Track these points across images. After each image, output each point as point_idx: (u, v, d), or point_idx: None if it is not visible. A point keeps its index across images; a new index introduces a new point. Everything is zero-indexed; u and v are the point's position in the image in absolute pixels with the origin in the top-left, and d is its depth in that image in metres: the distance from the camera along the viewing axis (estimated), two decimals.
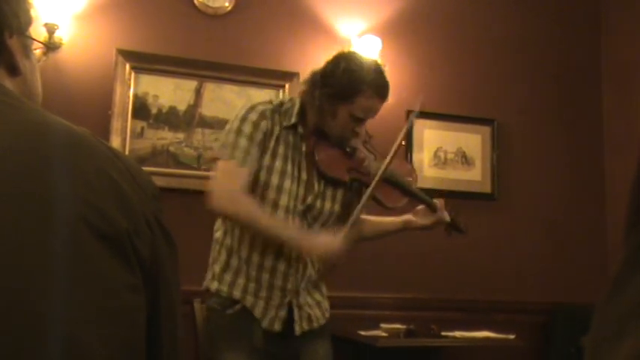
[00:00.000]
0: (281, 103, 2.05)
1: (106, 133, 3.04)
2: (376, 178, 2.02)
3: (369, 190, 2.02)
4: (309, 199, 2.02)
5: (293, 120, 2.00)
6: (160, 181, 2.90)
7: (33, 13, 0.91)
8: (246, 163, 1.91)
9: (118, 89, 3.13)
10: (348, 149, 2.08)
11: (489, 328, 3.12)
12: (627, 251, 0.52)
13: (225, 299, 1.99)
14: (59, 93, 3.00)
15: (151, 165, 3.11)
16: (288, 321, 2.01)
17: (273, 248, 1.97)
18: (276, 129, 1.99)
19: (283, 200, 1.98)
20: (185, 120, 3.22)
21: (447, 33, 3.73)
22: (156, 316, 0.80)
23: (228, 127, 1.99)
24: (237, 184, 1.90)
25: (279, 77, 3.34)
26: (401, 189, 2.19)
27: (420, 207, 2.23)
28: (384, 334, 2.98)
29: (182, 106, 3.23)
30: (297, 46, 3.41)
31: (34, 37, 0.92)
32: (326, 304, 2.16)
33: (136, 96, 3.16)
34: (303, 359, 2.04)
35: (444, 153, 3.60)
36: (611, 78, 3.91)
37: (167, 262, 0.82)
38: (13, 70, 0.86)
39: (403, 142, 2.13)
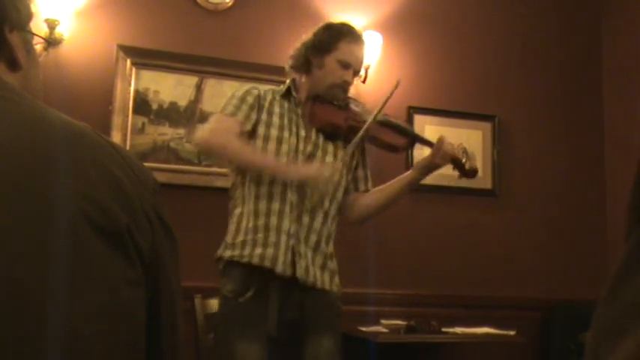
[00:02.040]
0: (274, 88, 2.23)
1: (106, 128, 3.04)
2: (372, 115, 2.16)
3: (366, 125, 2.14)
4: (309, 148, 2.12)
5: (285, 86, 2.19)
6: (160, 177, 2.90)
7: (33, 7, 0.91)
8: (235, 115, 2.07)
9: (119, 85, 3.13)
10: (341, 104, 2.21)
11: (490, 324, 3.12)
12: (628, 249, 0.52)
13: (238, 286, 2.00)
14: (60, 88, 2.99)
15: (152, 160, 3.11)
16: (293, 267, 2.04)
17: (278, 192, 2.04)
18: (269, 96, 2.15)
19: (284, 149, 2.09)
20: (186, 116, 3.21)
21: (448, 29, 3.72)
22: (156, 311, 0.80)
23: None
24: (223, 126, 2.05)
25: (279, 73, 3.31)
26: (397, 130, 2.29)
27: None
28: (384, 330, 2.98)
29: (183, 102, 3.23)
30: (297, 41, 3.40)
31: (34, 32, 0.92)
32: (333, 273, 2.15)
33: (136, 91, 3.16)
34: (307, 349, 2.05)
35: None
36: (612, 75, 3.91)
37: (167, 257, 0.82)
38: (14, 65, 0.86)
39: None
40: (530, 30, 3.86)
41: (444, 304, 3.42)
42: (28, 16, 0.90)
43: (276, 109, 2.14)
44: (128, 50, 3.16)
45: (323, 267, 2.10)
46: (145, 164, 0.87)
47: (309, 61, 2.18)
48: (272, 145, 2.09)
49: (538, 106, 3.82)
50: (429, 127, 3.57)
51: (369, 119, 2.16)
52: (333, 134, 2.17)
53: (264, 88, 2.20)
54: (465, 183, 3.60)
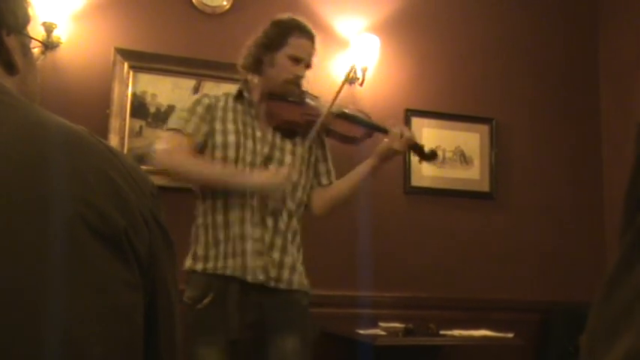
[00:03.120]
0: (227, 93, 2.25)
1: (104, 132, 3.04)
2: (328, 107, 2.18)
3: (321, 118, 2.16)
4: (266, 150, 2.13)
5: (237, 88, 2.20)
6: (158, 180, 2.88)
7: (31, 11, 0.91)
8: (184, 128, 2.09)
9: (117, 88, 3.13)
10: (296, 99, 2.22)
11: (488, 327, 3.12)
12: (621, 251, 0.52)
13: (197, 293, 2.01)
14: (57, 92, 2.99)
15: (150, 164, 3.10)
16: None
17: (236, 201, 2.05)
18: (221, 102, 2.16)
19: (241, 154, 2.09)
20: None
21: (446, 32, 3.73)
22: (153, 314, 0.80)
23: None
24: (174, 145, 2.07)
25: None
26: (354, 120, 2.30)
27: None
28: (382, 333, 2.98)
29: (180, 105, 3.21)
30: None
31: (32, 35, 0.92)
32: (301, 272, 2.14)
33: (134, 95, 3.16)
34: (271, 350, 2.04)
35: (443, 152, 3.60)
36: (610, 77, 3.91)
37: (165, 261, 0.82)
38: (11, 69, 0.86)
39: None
40: (527, 33, 3.87)
41: (442, 307, 3.42)
42: (26, 19, 0.89)
43: (230, 115, 2.14)
44: (126, 53, 3.16)
45: (292, 268, 2.10)
46: (143, 168, 0.87)
47: (261, 60, 2.19)
48: (231, 152, 2.09)
49: (536, 109, 3.82)
50: (426, 130, 3.58)
51: (325, 112, 2.17)
52: (291, 131, 2.18)
53: (216, 94, 2.22)
54: (463, 185, 3.62)
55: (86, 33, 3.16)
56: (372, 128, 2.32)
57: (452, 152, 3.62)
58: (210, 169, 2.09)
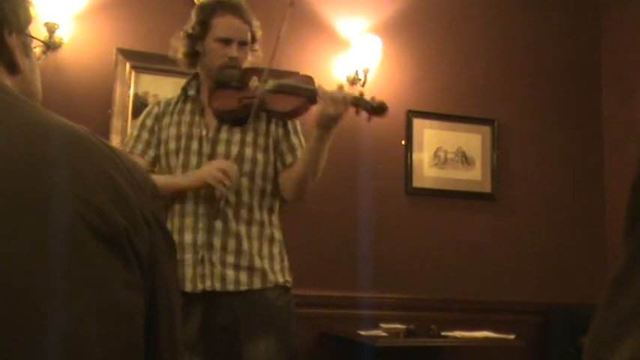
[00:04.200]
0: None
1: (106, 132, 3.04)
2: (261, 87, 2.02)
3: (256, 100, 2.00)
4: (207, 148, 2.02)
5: (181, 88, 2.12)
6: None
7: (33, 11, 0.91)
8: (135, 148, 2.05)
9: (118, 88, 3.13)
10: (237, 84, 2.08)
11: (489, 328, 3.12)
12: (626, 254, 0.51)
13: None
14: (59, 92, 2.99)
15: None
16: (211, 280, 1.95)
17: (179, 207, 1.98)
18: (170, 108, 2.09)
19: (185, 160, 2.02)
20: None
21: (447, 33, 3.72)
22: (154, 314, 0.80)
23: None
24: None
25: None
26: (290, 91, 2.06)
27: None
28: (383, 334, 2.98)
29: None
30: (298, 45, 3.40)
31: (34, 35, 0.92)
32: (264, 270, 2.00)
33: (136, 95, 3.16)
34: (244, 354, 1.94)
35: (444, 153, 3.60)
36: (611, 78, 3.91)
37: (165, 261, 0.82)
38: (13, 68, 0.86)
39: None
40: (529, 34, 3.86)
41: (443, 308, 3.42)
42: (28, 19, 0.90)
43: (175, 119, 2.06)
44: (127, 54, 3.16)
45: (250, 268, 1.97)
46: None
47: (196, 52, 2.09)
48: (173, 160, 2.03)
49: (537, 110, 3.82)
50: (428, 131, 3.58)
51: (260, 92, 2.01)
52: (236, 120, 2.04)
53: (166, 98, 2.15)
54: (464, 186, 3.61)
55: (88, 33, 3.16)
56: (305, 95, 2.04)
57: (453, 153, 3.62)
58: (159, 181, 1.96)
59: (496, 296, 3.55)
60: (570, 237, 3.75)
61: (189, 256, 1.95)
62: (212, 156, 2.01)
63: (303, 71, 3.12)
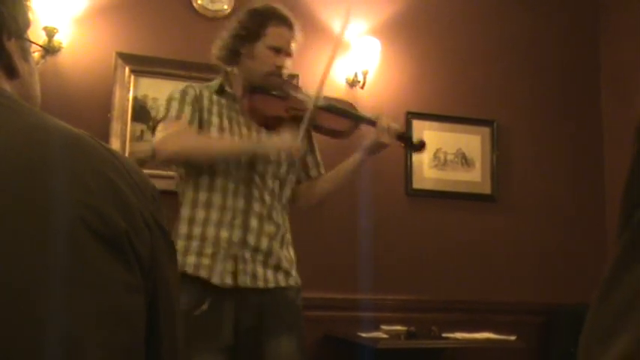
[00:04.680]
0: (207, 84, 2.17)
1: (105, 135, 3.04)
2: (313, 101, 2.10)
3: (309, 113, 2.08)
4: None
5: (218, 82, 2.13)
6: (159, 184, 2.88)
7: (32, 15, 0.91)
8: (179, 117, 2.01)
9: (118, 92, 3.13)
10: (280, 93, 2.15)
11: (490, 330, 3.12)
12: (618, 251, 0.52)
13: (193, 297, 1.96)
14: (59, 96, 3.00)
15: (151, 167, 3.10)
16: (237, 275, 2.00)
17: (218, 201, 2.00)
18: (206, 94, 2.09)
19: None
20: None
21: (446, 34, 3.73)
22: (155, 318, 0.80)
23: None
24: (173, 130, 1.99)
25: None
26: (340, 113, 2.22)
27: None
28: (384, 336, 2.97)
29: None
30: (297, 47, 3.40)
31: (33, 40, 0.93)
32: (288, 271, 2.08)
33: (135, 99, 3.17)
34: (266, 352, 2.00)
35: (444, 154, 3.60)
36: (611, 79, 3.91)
37: (166, 264, 0.82)
38: (12, 73, 0.86)
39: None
40: (528, 35, 3.87)
41: (444, 310, 3.42)
42: (27, 24, 0.90)
43: (215, 109, 2.08)
44: (127, 57, 3.17)
45: (276, 267, 2.05)
46: (144, 171, 0.87)
47: (238, 52, 2.11)
48: None
49: (537, 111, 3.82)
50: (427, 132, 3.58)
51: (311, 106, 2.10)
52: (276, 127, 2.10)
53: (197, 85, 2.14)
54: (464, 188, 3.61)
55: (87, 37, 3.17)
56: (359, 120, 2.24)
57: (453, 154, 3.62)
58: (223, 141, 2.03)
59: (497, 297, 3.55)
60: (571, 237, 3.75)
61: (223, 252, 1.99)
62: (254, 157, 2.06)
63: (303, 73, 3.13)
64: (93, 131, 0.83)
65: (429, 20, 3.70)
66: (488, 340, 3.07)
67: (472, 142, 3.66)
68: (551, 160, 3.81)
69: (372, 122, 2.18)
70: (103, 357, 0.71)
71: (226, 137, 2.05)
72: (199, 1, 3.34)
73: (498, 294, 3.56)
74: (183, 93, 2.06)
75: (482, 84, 3.74)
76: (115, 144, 3.06)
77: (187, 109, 2.02)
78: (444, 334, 3.03)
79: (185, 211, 2.03)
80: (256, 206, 2.03)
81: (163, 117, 2.02)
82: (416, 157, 3.55)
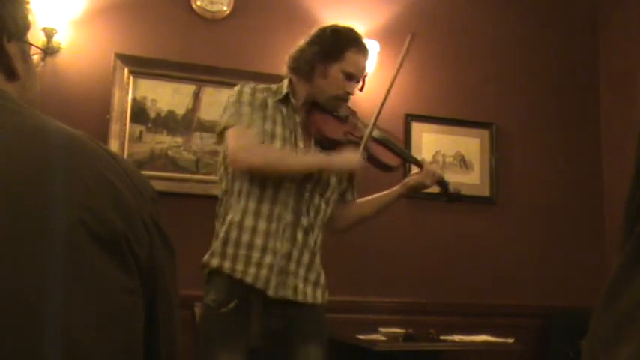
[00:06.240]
0: (269, 87, 2.15)
1: (104, 137, 3.04)
2: (369, 130, 2.14)
3: (365, 140, 2.12)
4: None
5: (284, 91, 2.10)
6: (158, 186, 2.88)
7: (31, 17, 0.91)
8: (252, 126, 2.01)
9: (117, 93, 3.13)
10: (341, 115, 2.16)
11: (488, 332, 3.12)
12: (622, 259, 0.52)
13: (221, 296, 1.97)
14: (58, 97, 3.00)
15: (150, 169, 3.10)
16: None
17: (266, 212, 2.00)
18: (270, 100, 2.08)
19: None
20: (183, 124, 3.22)
21: (445, 37, 3.73)
22: (154, 320, 0.80)
23: (227, 101, 2.08)
24: (249, 141, 2.00)
25: (277, 81, 3.33)
26: (391, 148, 2.28)
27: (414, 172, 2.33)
28: (382, 338, 2.97)
29: (180, 111, 3.23)
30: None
31: (32, 42, 0.93)
32: (324, 287, 2.12)
33: (134, 100, 3.16)
34: (294, 359, 2.01)
35: (443, 157, 3.60)
36: (609, 82, 3.92)
37: (165, 266, 0.82)
38: (11, 75, 0.86)
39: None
40: (527, 38, 3.87)
41: (442, 312, 3.42)
42: (26, 26, 0.90)
43: (278, 118, 2.06)
44: (126, 59, 3.17)
45: (316, 283, 2.08)
46: (143, 173, 0.87)
47: (313, 67, 2.09)
48: None
49: (536, 114, 3.83)
50: (426, 135, 3.58)
51: (366, 135, 2.14)
52: (331, 148, 2.11)
53: (261, 87, 2.11)
54: (463, 190, 3.59)
55: (86, 38, 3.17)
56: (409, 160, 2.37)
57: (452, 157, 3.63)
58: (295, 156, 2.04)
59: (495, 300, 3.55)
60: (569, 240, 3.75)
61: (277, 263, 1.99)
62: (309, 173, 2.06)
63: None
64: (91, 132, 0.83)
65: (427, 23, 3.70)
66: (486, 342, 3.07)
67: (471, 144, 3.66)
68: (549, 162, 3.81)
69: (419, 164, 2.29)
70: (103, 358, 0.71)
71: (299, 152, 2.05)
72: (198, 3, 3.34)
73: (496, 296, 3.56)
74: (252, 95, 2.05)
75: (481, 87, 3.75)
76: (113, 145, 3.05)
77: (255, 117, 2.02)
78: (442, 337, 3.03)
79: (238, 216, 2.00)
80: (304, 221, 2.04)
81: (234, 123, 2.01)
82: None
